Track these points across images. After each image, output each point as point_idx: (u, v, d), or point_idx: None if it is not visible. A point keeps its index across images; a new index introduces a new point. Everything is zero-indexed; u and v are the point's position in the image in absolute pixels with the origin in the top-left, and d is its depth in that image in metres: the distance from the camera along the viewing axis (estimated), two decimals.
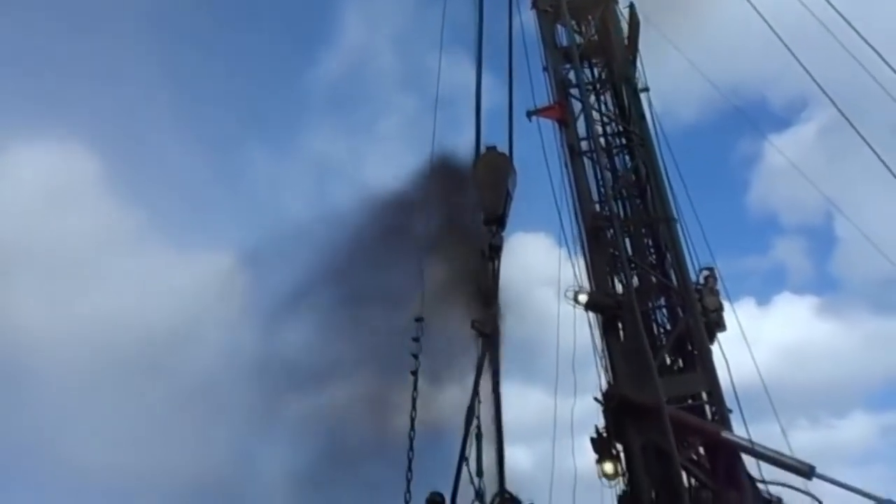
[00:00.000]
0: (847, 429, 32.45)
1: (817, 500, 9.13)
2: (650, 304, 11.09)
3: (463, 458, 9.31)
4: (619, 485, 9.96)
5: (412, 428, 9.21)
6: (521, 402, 11.25)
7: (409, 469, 9.05)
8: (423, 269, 10.44)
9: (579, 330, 11.07)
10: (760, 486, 9.50)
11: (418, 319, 9.80)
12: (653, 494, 9.58)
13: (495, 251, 10.64)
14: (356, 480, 10.82)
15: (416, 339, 9.71)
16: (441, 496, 9.19)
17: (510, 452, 9.97)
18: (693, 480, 9.77)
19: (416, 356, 9.61)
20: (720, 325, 10.52)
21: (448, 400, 10.73)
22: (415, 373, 9.53)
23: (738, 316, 11.13)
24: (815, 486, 9.63)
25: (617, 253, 10.98)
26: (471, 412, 9.50)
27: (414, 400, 9.39)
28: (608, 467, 9.87)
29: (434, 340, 10.46)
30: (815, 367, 31.45)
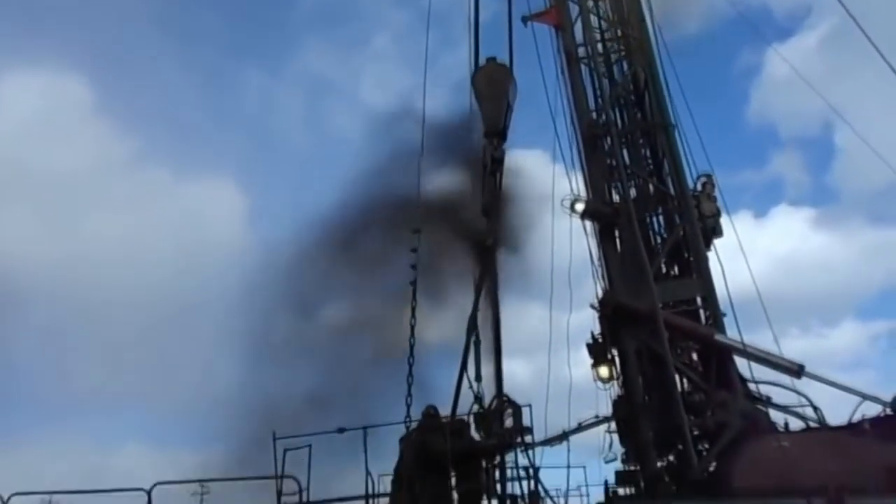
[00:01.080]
0: (837, 337, 33.39)
1: (805, 396, 9.47)
2: (647, 214, 11.09)
3: (465, 365, 9.52)
4: (614, 388, 10.31)
5: (412, 335, 9.38)
6: (518, 317, 11.39)
7: (410, 374, 9.28)
8: (421, 181, 10.34)
9: (575, 245, 11.18)
10: (751, 386, 9.83)
11: (416, 231, 9.81)
12: (646, 398, 9.95)
13: (497, 164, 10.54)
14: (358, 394, 11.13)
15: (414, 251, 9.74)
16: (435, 408, 9.46)
17: (508, 366, 10.24)
18: (686, 383, 10.10)
19: (414, 267, 9.67)
20: (716, 232, 10.59)
21: (446, 318, 10.91)
22: (413, 283, 9.62)
23: (735, 227, 11.28)
24: (804, 387, 10.00)
25: (614, 163, 10.91)
26: (473, 320, 9.64)
27: (413, 309, 9.52)
28: (603, 371, 10.17)
29: (433, 258, 10.53)
30: (808, 278, 31.99)
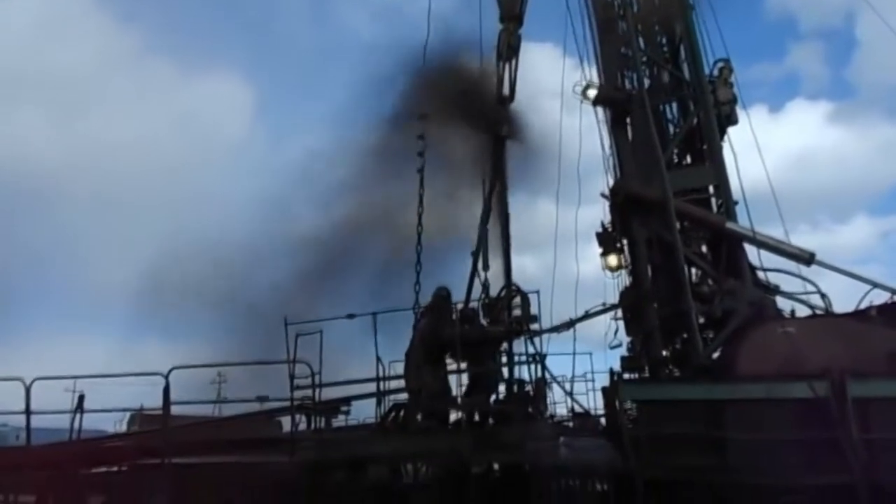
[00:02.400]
0: (847, 233, 33.32)
1: (813, 284, 9.47)
2: (660, 102, 10.74)
3: (479, 253, 9.51)
4: (622, 278, 10.35)
5: (419, 223, 9.37)
6: (528, 212, 11.34)
7: (418, 262, 9.35)
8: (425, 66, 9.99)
9: (586, 136, 10.91)
10: (760, 275, 9.83)
11: (423, 116, 9.60)
12: (654, 286, 10.00)
13: (513, 50, 10.21)
14: (367, 286, 11.24)
15: (420, 137, 9.58)
16: (447, 290, 9.56)
17: (518, 260, 10.28)
18: (695, 273, 10.10)
19: (421, 154, 9.53)
20: (731, 119, 10.28)
21: (454, 212, 10.83)
22: (420, 170, 9.51)
23: (750, 119, 10.92)
24: (813, 277, 9.98)
25: (629, 52, 10.50)
26: (486, 208, 9.55)
27: (421, 197, 9.46)
28: (612, 260, 10.19)
29: (442, 147, 10.33)
30: (821, 174, 31.57)
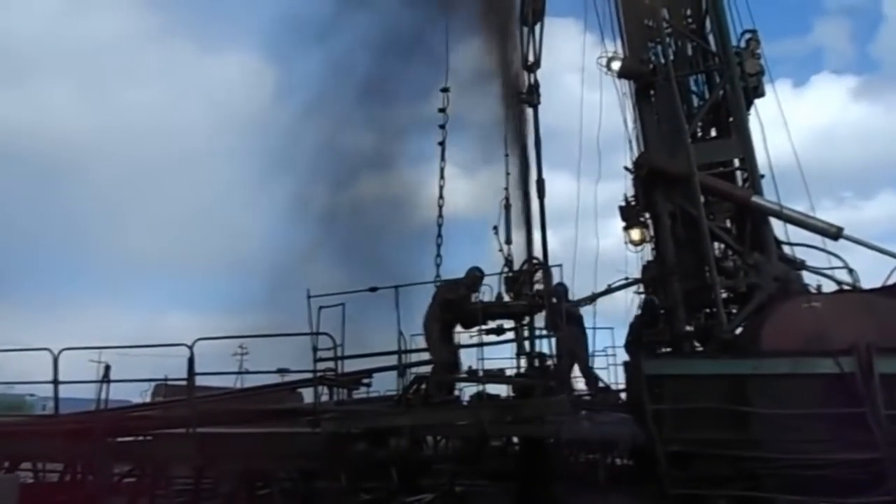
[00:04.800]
0: (873, 209, 32.80)
1: (841, 258, 9.33)
2: (685, 75, 10.56)
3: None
4: (645, 252, 10.28)
5: (441, 196, 9.35)
6: (548, 188, 11.26)
7: (439, 235, 9.34)
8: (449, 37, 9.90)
9: (605, 114, 10.79)
10: (786, 249, 9.71)
11: (444, 90, 9.53)
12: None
13: (538, 15, 10.08)
14: (390, 260, 11.27)
15: (442, 110, 9.52)
16: (480, 270, 9.53)
17: (539, 237, 10.22)
18: (719, 248, 10.01)
19: (442, 126, 9.48)
20: (758, 92, 10.09)
21: (474, 187, 10.79)
22: (442, 143, 9.46)
23: (777, 93, 10.72)
24: (840, 252, 9.83)
25: (653, 23, 10.31)
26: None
27: (442, 170, 9.43)
28: (635, 234, 10.12)
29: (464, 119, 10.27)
30: (845, 149, 31.03)
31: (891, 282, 9.14)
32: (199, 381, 9.61)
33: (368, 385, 10.20)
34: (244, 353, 14.67)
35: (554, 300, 9.46)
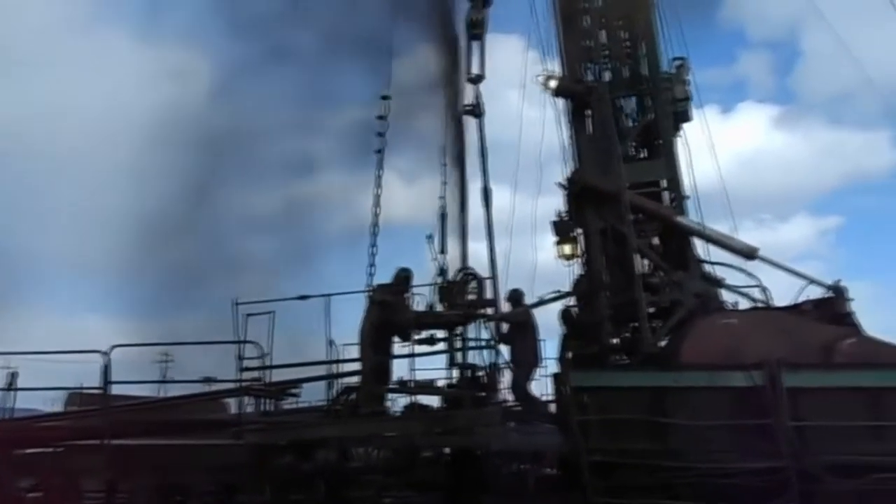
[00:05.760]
0: (789, 231, 34.92)
1: (755, 278, 9.89)
2: (619, 96, 10.94)
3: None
4: (576, 266, 10.55)
5: (377, 204, 9.30)
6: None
7: (374, 245, 9.30)
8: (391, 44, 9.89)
9: (545, 131, 11.02)
10: (707, 267, 10.20)
11: (385, 97, 9.50)
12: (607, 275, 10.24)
13: (478, 28, 10.21)
14: (320, 266, 11.10)
15: (381, 118, 9.48)
16: (408, 270, 9.54)
17: (474, 248, 10.34)
18: (647, 264, 10.39)
19: (381, 134, 9.45)
20: (686, 116, 10.59)
21: (411, 196, 10.80)
22: (379, 151, 9.43)
23: (705, 118, 11.26)
24: (755, 271, 10.40)
25: (591, 43, 10.66)
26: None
27: (379, 178, 9.39)
28: (567, 248, 10.38)
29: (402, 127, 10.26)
30: (767, 174, 32.99)
31: (800, 300, 9.82)
32: (118, 389, 9.19)
33: (297, 395, 9.99)
34: (168, 361, 14.10)
35: (510, 306, 9.65)
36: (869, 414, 8.43)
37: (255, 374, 9.00)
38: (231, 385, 9.15)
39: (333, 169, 11.08)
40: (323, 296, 9.14)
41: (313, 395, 9.77)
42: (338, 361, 9.30)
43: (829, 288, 9.65)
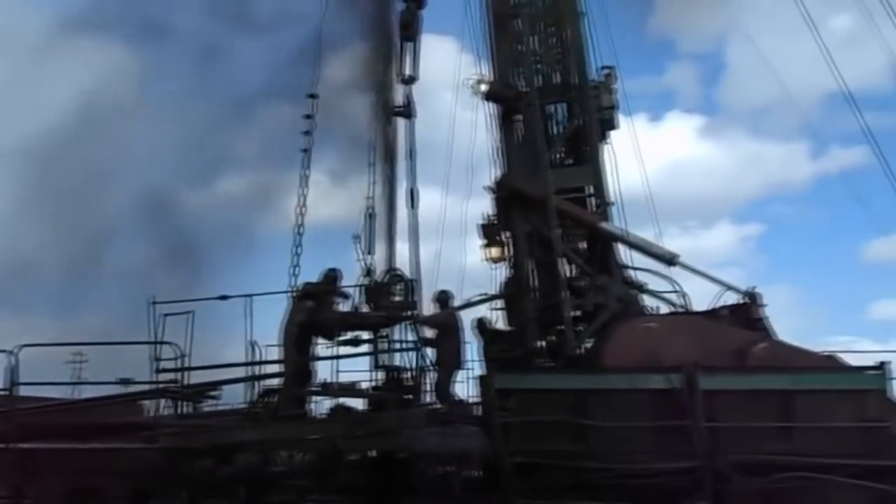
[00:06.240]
0: (713, 238, 36.09)
1: (676, 283, 10.18)
2: (549, 103, 11.10)
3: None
4: (503, 269, 10.65)
5: (303, 204, 9.19)
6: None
7: (299, 245, 9.16)
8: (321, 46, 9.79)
9: (477, 134, 11.12)
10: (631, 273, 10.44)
11: (312, 96, 9.39)
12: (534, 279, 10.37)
13: (408, 28, 10.21)
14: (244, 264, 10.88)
15: (308, 117, 9.37)
16: (335, 272, 9.44)
17: (402, 249, 10.31)
18: (573, 269, 10.56)
19: (308, 133, 9.33)
20: (612, 124, 10.82)
21: (339, 195, 10.70)
22: (305, 151, 9.31)
23: (633, 127, 11.58)
24: (676, 277, 10.69)
25: (522, 48, 10.80)
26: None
27: (305, 178, 9.27)
28: (494, 252, 10.47)
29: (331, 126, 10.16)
30: (692, 182, 34.02)
31: (718, 305, 10.14)
32: (26, 391, 8.81)
33: (217, 398, 9.75)
34: (82, 362, 13.55)
35: (438, 307, 9.63)
36: (779, 415, 8.75)
37: (172, 375, 8.76)
38: (147, 387, 8.88)
39: (260, 167, 10.91)
40: (244, 296, 8.95)
41: (234, 397, 9.56)
42: (258, 363, 9.12)
43: (744, 294, 10.00)
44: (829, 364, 9.30)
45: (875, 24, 10.63)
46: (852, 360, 9.48)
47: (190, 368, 8.87)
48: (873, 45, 10.85)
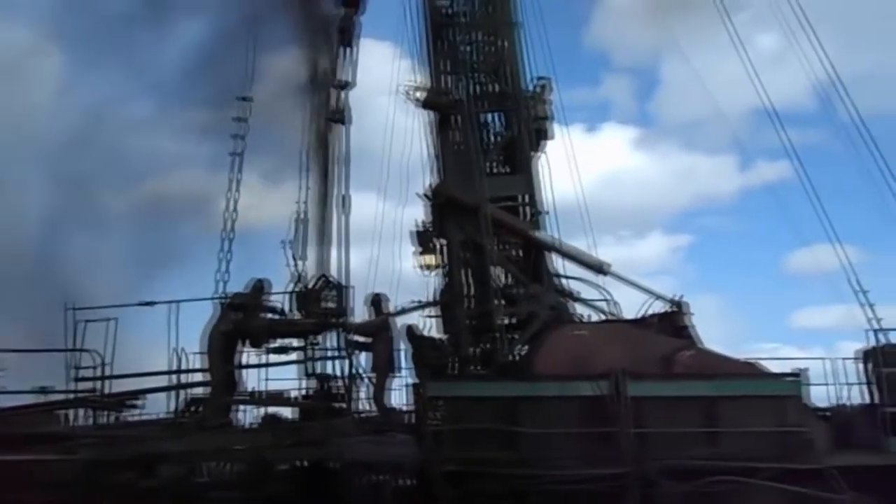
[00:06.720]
0: (645, 247, 36.86)
1: (607, 292, 10.36)
2: (486, 112, 11.17)
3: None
4: (438, 277, 10.64)
5: (234, 209, 9.02)
6: (353, 208, 11.23)
7: (229, 251, 9.01)
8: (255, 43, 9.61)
9: (414, 140, 11.11)
10: (563, 281, 10.57)
11: (244, 98, 9.25)
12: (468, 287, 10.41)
13: (345, 33, 10.15)
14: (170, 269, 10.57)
15: (241, 120, 9.22)
16: (262, 282, 9.29)
17: (335, 255, 10.16)
18: (507, 277, 10.64)
19: (240, 137, 9.18)
20: (546, 134, 10.96)
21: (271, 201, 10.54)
22: (237, 154, 9.15)
23: (569, 138, 11.71)
24: (608, 286, 10.87)
25: (459, 57, 10.86)
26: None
27: (237, 182, 9.11)
28: (428, 259, 10.46)
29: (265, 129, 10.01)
30: (627, 192, 34.67)
31: (646, 314, 10.35)
32: None
33: (140, 407, 9.44)
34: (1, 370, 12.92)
35: (372, 310, 9.54)
36: (703, 421, 8.95)
37: (91, 384, 8.46)
38: (64, 396, 8.55)
39: (190, 170, 10.66)
40: (170, 302, 8.71)
41: (159, 407, 9.28)
42: (183, 371, 8.87)
43: (671, 302, 10.25)
44: (750, 371, 9.59)
45: (797, 45, 11.06)
46: (773, 366, 9.83)
47: (111, 377, 8.59)
48: (799, 64, 11.28)
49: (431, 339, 10.24)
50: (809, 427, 9.00)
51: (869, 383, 9.57)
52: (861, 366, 9.66)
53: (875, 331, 9.81)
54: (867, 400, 9.66)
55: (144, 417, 9.55)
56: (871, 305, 10.13)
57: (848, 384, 9.72)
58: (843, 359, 9.72)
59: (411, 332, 10.21)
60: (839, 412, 9.76)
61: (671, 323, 10.07)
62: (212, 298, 8.97)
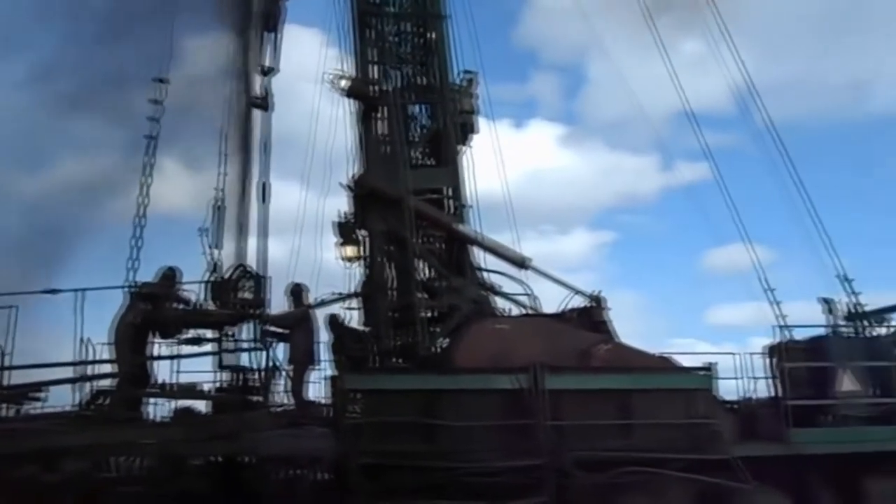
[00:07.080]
0: (569, 243, 37.60)
1: (527, 286, 10.49)
2: (412, 103, 11.12)
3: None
4: (360, 268, 10.55)
5: (146, 194, 8.70)
6: (275, 196, 10.99)
7: (140, 237, 8.69)
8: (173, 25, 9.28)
9: (339, 130, 10.96)
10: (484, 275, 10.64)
11: (161, 80, 8.92)
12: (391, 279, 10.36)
13: (274, 19, 9.93)
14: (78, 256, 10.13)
15: (156, 102, 8.90)
16: (173, 270, 9.02)
17: (253, 244, 9.93)
18: (429, 270, 10.64)
19: (154, 119, 8.85)
20: (472, 128, 11.00)
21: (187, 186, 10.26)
22: (150, 137, 8.82)
23: (495, 132, 11.79)
24: (529, 280, 10.98)
25: (386, 47, 10.77)
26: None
27: (151, 166, 8.78)
28: (350, 251, 10.36)
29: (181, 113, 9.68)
30: (551, 189, 35.21)
31: (565, 309, 10.52)
32: None
33: (40, 399, 9.03)
34: None
35: (292, 300, 9.34)
36: (618, 413, 9.15)
37: None
38: None
39: (105, 152, 10.22)
40: (76, 290, 8.33)
41: (63, 399, 8.89)
42: (89, 362, 8.52)
43: (590, 298, 10.45)
44: (664, 365, 9.87)
45: (717, 51, 11.44)
46: (687, 361, 10.15)
47: (11, 367, 8.18)
48: (719, 69, 11.65)
49: (354, 330, 10.15)
50: (718, 419, 9.32)
51: (773, 377, 10.01)
52: (767, 360, 10.10)
53: (780, 327, 10.29)
54: (772, 393, 10.09)
55: (47, 410, 9.16)
56: (777, 303, 10.62)
57: (755, 378, 10.21)
58: (752, 354, 10.19)
59: (335, 320, 10.09)
60: (746, 405, 10.18)
61: (590, 318, 10.26)
62: (120, 287, 8.64)
